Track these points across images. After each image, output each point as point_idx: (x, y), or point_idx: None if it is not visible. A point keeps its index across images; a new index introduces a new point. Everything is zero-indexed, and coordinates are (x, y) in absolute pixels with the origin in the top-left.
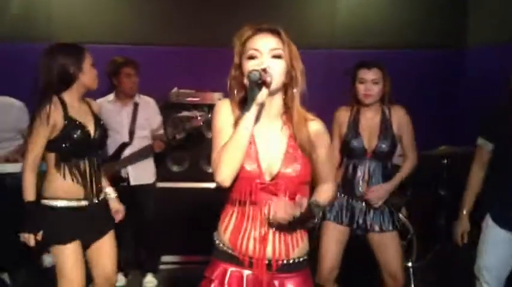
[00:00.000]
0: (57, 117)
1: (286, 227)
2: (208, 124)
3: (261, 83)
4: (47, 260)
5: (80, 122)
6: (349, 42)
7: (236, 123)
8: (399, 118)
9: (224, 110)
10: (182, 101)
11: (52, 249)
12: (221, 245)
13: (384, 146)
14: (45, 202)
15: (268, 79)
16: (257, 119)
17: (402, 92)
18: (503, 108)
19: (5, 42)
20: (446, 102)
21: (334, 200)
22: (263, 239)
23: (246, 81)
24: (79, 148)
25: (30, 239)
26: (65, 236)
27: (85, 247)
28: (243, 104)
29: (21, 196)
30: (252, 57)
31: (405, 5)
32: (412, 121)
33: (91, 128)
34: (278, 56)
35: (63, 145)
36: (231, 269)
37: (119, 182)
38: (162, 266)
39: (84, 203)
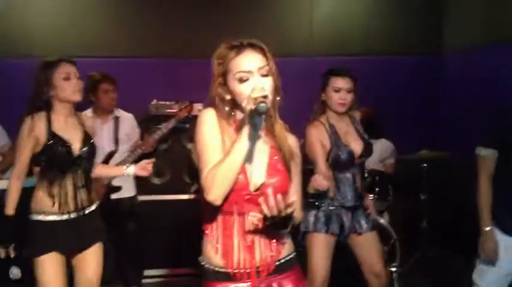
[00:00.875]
0: (39, 132)
1: (279, 225)
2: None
3: (263, 112)
4: (14, 272)
5: (62, 138)
6: (326, 49)
7: (223, 134)
8: (359, 120)
9: (210, 121)
10: (162, 112)
11: (32, 262)
12: (211, 267)
13: (368, 148)
14: (30, 216)
15: (268, 104)
16: (240, 130)
17: (381, 98)
18: (502, 114)
19: None
20: (425, 107)
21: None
22: (250, 248)
23: (245, 105)
24: (61, 163)
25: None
26: (41, 248)
27: (68, 257)
28: (228, 117)
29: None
30: (242, 80)
31: (382, 12)
32: (393, 126)
33: (76, 144)
34: (266, 74)
35: (44, 160)
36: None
37: (111, 192)
38: (145, 280)
39: (64, 217)
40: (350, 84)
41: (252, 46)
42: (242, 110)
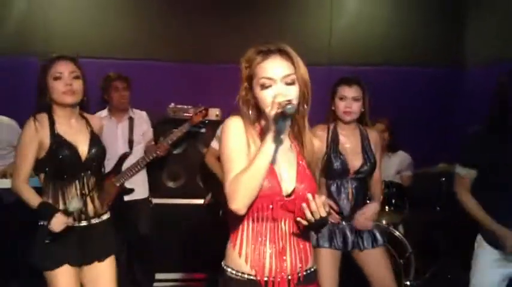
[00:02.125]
0: (43, 136)
1: (318, 227)
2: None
3: (290, 115)
4: None
5: (67, 141)
6: (346, 59)
7: (248, 142)
8: (375, 141)
9: (237, 129)
10: (179, 116)
11: (44, 275)
12: (234, 272)
13: (367, 167)
14: (39, 221)
15: (293, 110)
16: (264, 136)
17: (400, 109)
18: (481, 133)
19: (3, 56)
20: (444, 120)
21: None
22: (281, 255)
23: (269, 111)
24: (67, 168)
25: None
26: (53, 261)
27: (80, 269)
28: (253, 122)
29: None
30: (264, 86)
31: (402, 23)
32: (410, 138)
33: (83, 147)
34: (291, 83)
35: (49, 165)
36: None
37: (124, 194)
38: (157, 284)
39: (76, 223)
40: (357, 93)
41: (280, 52)
42: (265, 116)
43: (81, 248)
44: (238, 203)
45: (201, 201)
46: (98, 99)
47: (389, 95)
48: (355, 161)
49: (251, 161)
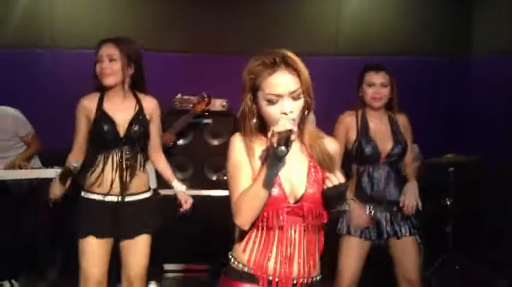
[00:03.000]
0: (90, 111)
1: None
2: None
3: (281, 157)
4: None
5: (109, 116)
6: (353, 49)
7: (250, 154)
8: (404, 125)
9: (238, 146)
10: (185, 107)
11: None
12: (237, 263)
13: (398, 149)
14: (82, 192)
15: (293, 137)
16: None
17: (407, 99)
18: None
19: (8, 48)
20: (452, 110)
21: None
22: (289, 260)
23: (270, 137)
24: (105, 141)
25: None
26: (82, 230)
27: (115, 243)
28: (256, 133)
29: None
30: (272, 102)
31: (410, 12)
32: (418, 128)
33: (124, 123)
34: (298, 97)
35: (92, 137)
36: None
37: None
38: (165, 275)
39: (109, 198)
40: (385, 79)
41: (285, 64)
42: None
43: (112, 222)
44: (242, 219)
45: (209, 192)
46: None
47: (397, 85)
48: (386, 145)
49: (253, 183)
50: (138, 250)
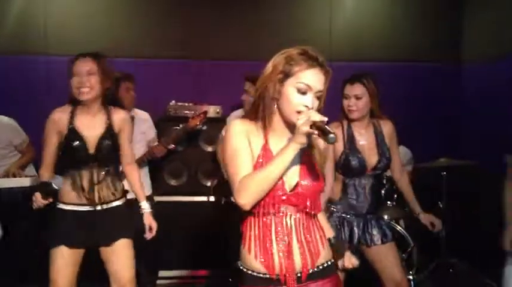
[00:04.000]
0: (62, 127)
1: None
2: (207, 133)
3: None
4: None
5: (80, 134)
6: (346, 54)
7: (250, 140)
8: (389, 133)
9: (239, 131)
10: (180, 113)
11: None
12: (249, 271)
13: (383, 163)
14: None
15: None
16: (275, 132)
17: (400, 104)
18: None
19: (2, 55)
20: (444, 115)
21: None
22: (288, 251)
23: (300, 125)
24: (75, 159)
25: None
26: (53, 240)
27: (96, 254)
28: (269, 115)
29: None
30: (301, 91)
31: (402, 18)
32: (411, 133)
33: (93, 141)
34: (319, 97)
35: (63, 153)
36: None
37: None
38: (160, 281)
39: (82, 208)
40: (359, 91)
41: (323, 67)
42: (281, 113)
43: (85, 232)
44: (246, 198)
45: (203, 198)
46: None
47: (389, 90)
48: (372, 158)
49: (268, 164)
50: (120, 255)
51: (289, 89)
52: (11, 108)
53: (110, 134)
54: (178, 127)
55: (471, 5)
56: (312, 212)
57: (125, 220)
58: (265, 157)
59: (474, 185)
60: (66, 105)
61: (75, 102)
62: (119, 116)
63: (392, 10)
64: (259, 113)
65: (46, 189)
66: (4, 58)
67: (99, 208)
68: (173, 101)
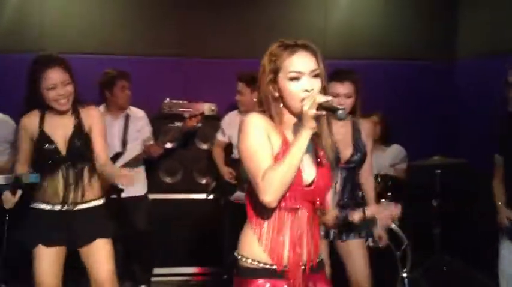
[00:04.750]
0: (33, 131)
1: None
2: (203, 132)
3: (342, 119)
4: None
5: (50, 138)
6: (340, 52)
7: (269, 137)
8: (367, 133)
9: (258, 125)
10: (175, 111)
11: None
12: (255, 262)
13: (357, 157)
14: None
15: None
16: (289, 129)
17: (394, 102)
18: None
19: None
20: (437, 113)
21: None
22: (299, 245)
23: (307, 109)
24: (48, 162)
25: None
26: (31, 240)
27: (75, 254)
28: (276, 115)
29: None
30: (293, 79)
31: (395, 16)
32: (404, 131)
33: (64, 142)
34: (316, 75)
35: (36, 157)
36: (268, 284)
37: (115, 193)
38: (154, 279)
39: (57, 207)
40: (349, 90)
41: (305, 47)
42: (289, 108)
43: (63, 230)
44: (272, 195)
45: (198, 195)
46: (89, 95)
47: (384, 88)
48: (346, 151)
49: (285, 156)
50: (98, 255)
51: (284, 82)
52: (5, 107)
53: (79, 134)
54: (173, 125)
55: (466, 2)
56: (321, 209)
57: (103, 219)
58: (285, 153)
59: (468, 183)
60: (34, 111)
61: (43, 107)
62: (87, 113)
63: (386, 9)
64: (267, 113)
65: (20, 181)
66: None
67: (76, 208)
68: (168, 99)
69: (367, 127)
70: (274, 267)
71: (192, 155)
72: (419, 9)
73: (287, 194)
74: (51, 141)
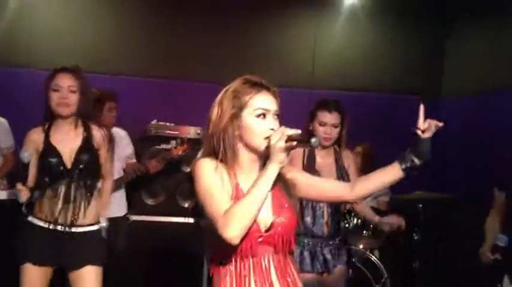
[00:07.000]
0: (38, 142)
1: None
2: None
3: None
4: None
5: (56, 149)
6: (328, 83)
7: (221, 176)
8: (349, 163)
9: (210, 168)
10: (161, 133)
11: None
12: None
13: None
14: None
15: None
16: (242, 169)
17: (378, 135)
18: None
19: None
20: None
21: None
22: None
23: (275, 142)
24: (51, 174)
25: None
26: (22, 256)
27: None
28: (232, 154)
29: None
30: (261, 115)
31: (384, 50)
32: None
33: (70, 155)
34: (277, 117)
35: (40, 169)
36: None
37: None
38: None
39: (52, 226)
40: (336, 120)
41: (268, 89)
42: (250, 145)
43: (55, 251)
44: (235, 230)
45: (180, 219)
46: None
47: (369, 120)
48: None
49: (249, 190)
50: (85, 282)
51: (249, 119)
52: None
53: (88, 148)
54: (158, 147)
55: (453, 42)
56: (289, 250)
57: (96, 246)
58: (238, 196)
59: (450, 219)
60: (40, 125)
61: (50, 118)
62: (98, 133)
63: (375, 42)
64: (221, 154)
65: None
66: None
67: (73, 229)
68: (155, 121)
69: (348, 155)
70: None
71: (176, 178)
72: (408, 44)
73: (244, 242)
74: (57, 154)
